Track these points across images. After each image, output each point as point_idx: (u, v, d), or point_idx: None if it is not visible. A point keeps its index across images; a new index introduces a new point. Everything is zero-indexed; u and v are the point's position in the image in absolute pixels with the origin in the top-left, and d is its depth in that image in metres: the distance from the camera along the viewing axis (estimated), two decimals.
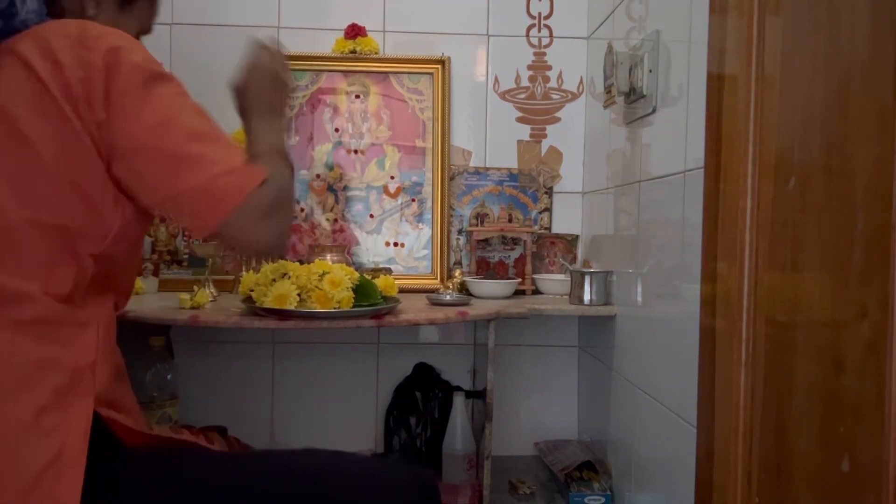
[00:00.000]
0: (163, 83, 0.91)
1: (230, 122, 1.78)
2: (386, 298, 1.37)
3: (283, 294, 1.24)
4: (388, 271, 1.70)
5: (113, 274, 0.96)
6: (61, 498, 0.78)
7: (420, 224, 1.81)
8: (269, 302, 1.25)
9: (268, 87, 1.09)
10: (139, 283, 1.50)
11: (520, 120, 1.86)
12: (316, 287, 1.26)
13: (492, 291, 1.64)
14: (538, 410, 1.86)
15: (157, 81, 0.90)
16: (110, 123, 0.87)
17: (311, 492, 0.91)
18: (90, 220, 0.90)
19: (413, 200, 1.81)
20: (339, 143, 1.80)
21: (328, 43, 1.80)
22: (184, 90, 0.94)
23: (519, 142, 1.86)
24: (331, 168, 1.80)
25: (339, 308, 1.26)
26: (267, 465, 0.94)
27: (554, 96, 1.86)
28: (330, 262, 1.52)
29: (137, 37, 1.08)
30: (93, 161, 0.88)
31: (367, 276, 1.39)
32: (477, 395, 1.64)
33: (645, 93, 1.33)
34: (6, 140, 0.88)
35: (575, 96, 1.86)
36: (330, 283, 1.26)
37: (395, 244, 1.80)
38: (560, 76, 1.86)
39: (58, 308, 0.87)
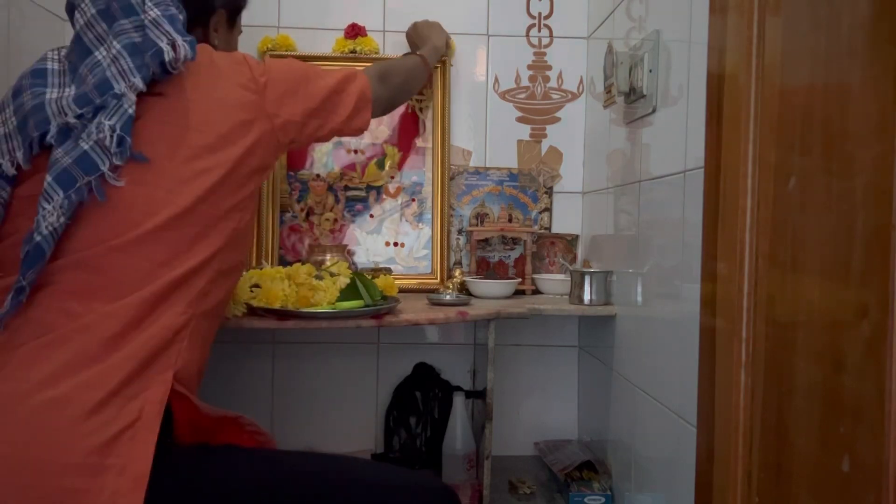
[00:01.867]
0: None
1: None
2: (386, 298, 1.37)
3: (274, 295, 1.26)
4: (388, 271, 1.70)
5: (227, 268, 1.07)
6: (135, 457, 0.86)
7: (420, 224, 1.81)
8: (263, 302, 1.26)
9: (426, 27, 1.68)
10: None
11: (520, 120, 1.86)
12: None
13: (492, 291, 1.64)
14: (538, 410, 1.86)
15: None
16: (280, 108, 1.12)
17: (341, 497, 0.97)
18: (231, 211, 1.04)
19: (413, 200, 1.81)
20: (339, 143, 1.80)
21: (328, 43, 1.80)
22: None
23: (519, 142, 1.86)
24: (331, 168, 1.80)
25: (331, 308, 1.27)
26: (300, 468, 1.01)
27: (554, 96, 1.86)
28: (330, 262, 1.53)
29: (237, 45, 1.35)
30: (273, 146, 1.11)
31: (366, 276, 1.40)
32: (477, 394, 1.64)
33: (645, 93, 1.33)
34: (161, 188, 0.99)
35: (575, 96, 1.86)
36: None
37: (395, 244, 1.80)
38: (560, 76, 1.86)
39: (166, 291, 0.96)
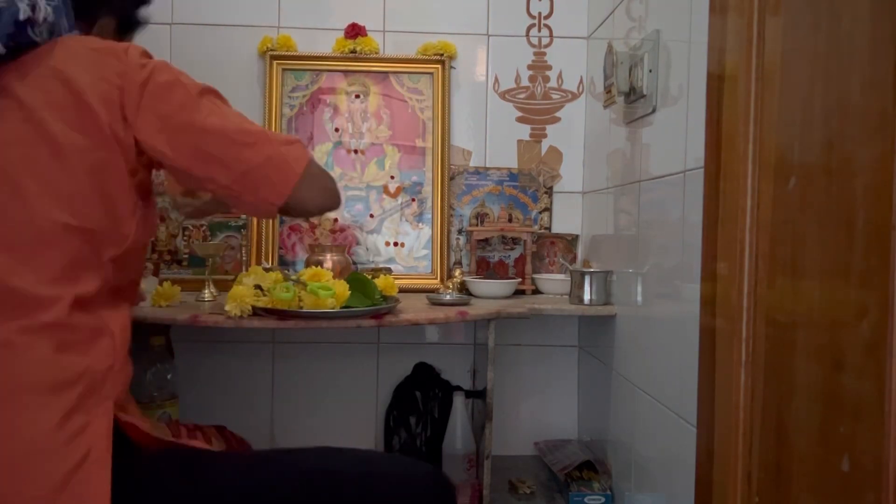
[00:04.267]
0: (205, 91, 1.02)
1: None
2: (385, 298, 1.37)
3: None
4: (388, 271, 1.70)
5: (126, 279, 1.01)
6: (91, 498, 0.81)
7: (420, 224, 1.81)
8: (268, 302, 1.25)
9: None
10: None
11: (520, 120, 1.86)
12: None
13: (492, 291, 1.64)
14: (538, 410, 1.86)
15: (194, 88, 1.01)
16: (160, 123, 0.95)
17: (327, 492, 0.94)
18: (112, 224, 0.94)
19: (413, 200, 1.81)
20: (339, 143, 1.80)
21: (328, 43, 1.80)
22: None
23: (519, 141, 1.86)
24: (331, 168, 1.80)
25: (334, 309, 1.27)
26: (283, 467, 0.96)
27: (554, 96, 1.86)
28: (330, 262, 1.53)
29: None
30: (119, 167, 0.93)
31: (366, 275, 1.39)
32: (477, 394, 1.64)
33: (645, 92, 1.33)
34: (39, 146, 0.90)
35: (575, 96, 1.86)
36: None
37: (395, 244, 1.80)
38: (560, 76, 1.86)
39: (77, 314, 0.89)
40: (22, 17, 0.92)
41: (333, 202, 1.09)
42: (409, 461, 1.05)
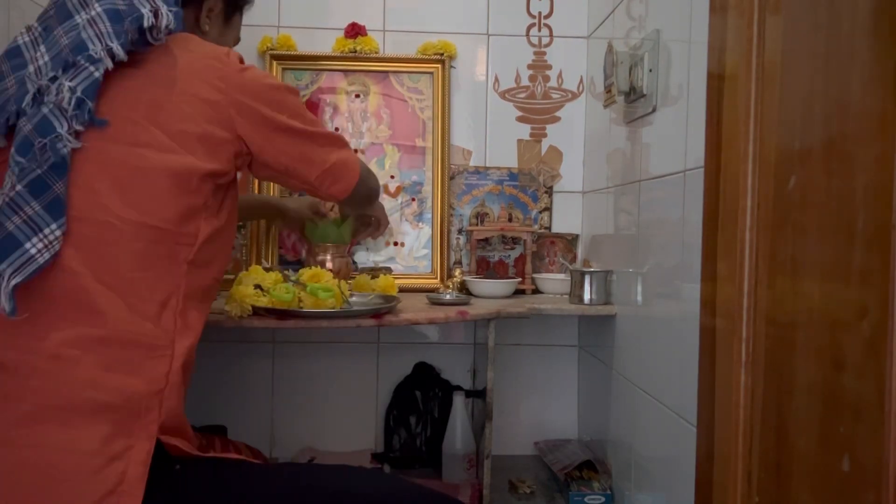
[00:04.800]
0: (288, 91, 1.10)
1: None
2: (385, 297, 1.37)
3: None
4: (388, 270, 1.70)
5: (203, 287, 0.98)
6: None
7: (420, 223, 1.81)
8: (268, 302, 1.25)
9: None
10: None
11: (520, 119, 1.86)
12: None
13: (492, 291, 1.64)
14: (538, 410, 1.86)
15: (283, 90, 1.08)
16: (259, 122, 1.01)
17: None
18: (183, 224, 0.93)
19: (413, 200, 1.81)
20: None
21: (328, 42, 1.80)
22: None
23: (519, 141, 1.86)
24: None
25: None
26: (307, 481, 0.96)
27: (554, 95, 1.86)
28: (330, 262, 1.53)
29: (233, 45, 1.26)
30: (199, 169, 0.94)
31: (366, 276, 1.40)
32: (477, 394, 1.64)
33: (645, 92, 1.32)
34: (120, 144, 0.90)
35: (575, 95, 1.86)
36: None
37: (395, 243, 1.80)
38: (560, 75, 1.86)
39: (138, 328, 0.87)
40: (146, 24, 0.93)
41: (378, 191, 1.38)
42: (437, 494, 1.03)
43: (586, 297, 1.53)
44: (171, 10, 0.97)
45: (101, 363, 0.84)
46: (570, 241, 1.84)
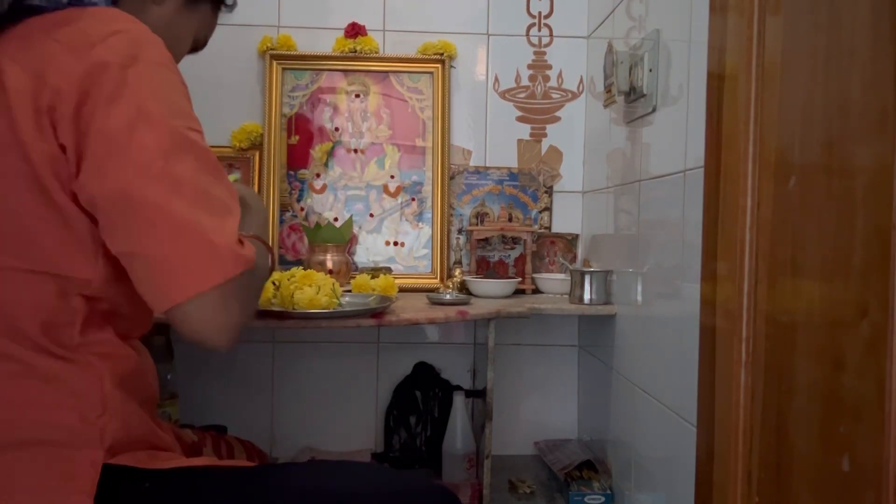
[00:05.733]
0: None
1: (227, 122, 1.78)
2: (381, 297, 1.37)
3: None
4: (388, 270, 1.70)
5: (119, 311, 0.84)
6: None
7: (420, 223, 1.81)
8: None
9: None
10: None
11: (520, 119, 1.86)
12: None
13: (492, 291, 1.64)
14: (538, 410, 1.86)
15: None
16: (84, 151, 0.75)
17: None
18: (65, 261, 0.78)
19: (413, 200, 1.81)
20: (339, 143, 1.80)
21: (328, 42, 1.80)
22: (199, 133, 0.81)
23: (519, 141, 1.86)
24: (330, 167, 1.80)
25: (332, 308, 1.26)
26: (288, 483, 0.88)
27: (554, 95, 1.86)
28: (330, 262, 1.53)
29: (191, 49, 1.03)
30: (56, 197, 0.76)
31: (366, 275, 1.39)
32: (477, 394, 1.64)
33: (645, 92, 1.33)
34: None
35: (575, 95, 1.86)
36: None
37: (395, 243, 1.80)
38: (560, 75, 1.86)
39: (49, 365, 0.78)
40: None
41: (231, 340, 0.80)
42: (414, 476, 0.98)
43: (586, 296, 1.54)
44: None
45: (23, 402, 0.77)
46: (570, 240, 1.84)
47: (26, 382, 0.77)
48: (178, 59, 0.96)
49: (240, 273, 0.76)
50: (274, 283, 1.29)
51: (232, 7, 1.07)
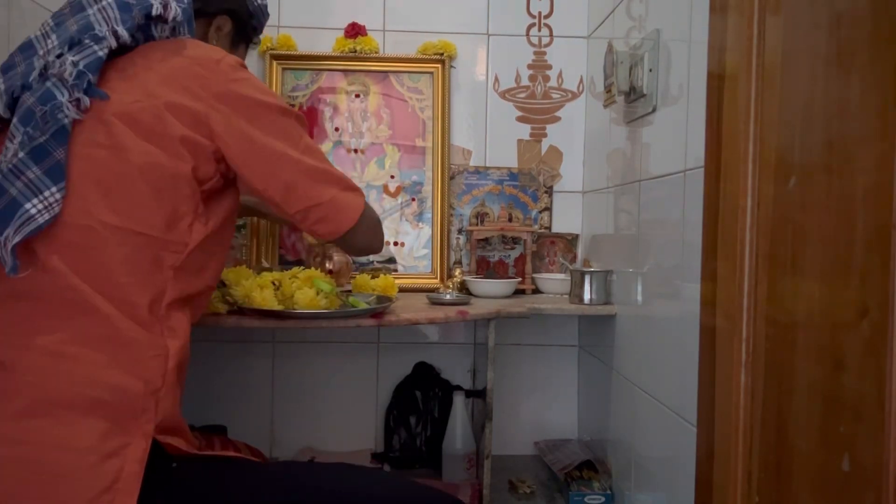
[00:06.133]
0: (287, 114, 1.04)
1: None
2: (381, 298, 1.37)
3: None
4: (388, 271, 1.70)
5: (192, 290, 0.96)
6: None
7: (420, 223, 1.81)
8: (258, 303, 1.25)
9: None
10: None
11: (520, 119, 1.86)
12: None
13: (492, 291, 1.64)
14: (538, 410, 1.86)
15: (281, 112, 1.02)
16: (239, 138, 0.96)
17: None
18: (170, 230, 0.92)
19: (413, 200, 1.81)
20: (339, 143, 1.80)
21: (328, 42, 1.80)
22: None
23: (519, 141, 1.86)
24: None
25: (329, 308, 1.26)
26: (306, 480, 0.95)
27: (554, 95, 1.86)
28: (330, 262, 1.53)
29: None
30: (185, 175, 0.93)
31: (366, 275, 1.39)
32: (477, 394, 1.64)
33: (645, 92, 1.32)
34: (106, 148, 0.90)
35: (575, 95, 1.86)
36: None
37: (396, 243, 1.80)
38: (560, 75, 1.86)
39: (133, 327, 0.87)
40: (154, 12, 0.95)
41: (375, 249, 1.20)
42: (435, 493, 1.03)
43: (586, 296, 1.53)
44: (180, 5, 0.98)
45: (98, 361, 0.85)
46: (570, 240, 1.84)
47: (108, 345, 0.86)
48: None
49: (362, 208, 1.07)
50: (274, 283, 1.29)
51: (257, 45, 1.30)
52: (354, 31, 1.79)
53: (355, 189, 1.09)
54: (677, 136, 1.19)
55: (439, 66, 1.80)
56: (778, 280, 0.86)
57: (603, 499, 1.50)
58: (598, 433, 1.66)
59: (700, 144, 1.07)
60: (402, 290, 1.60)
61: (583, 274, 1.54)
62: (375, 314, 1.31)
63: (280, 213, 1.05)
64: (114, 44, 0.92)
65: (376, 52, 1.79)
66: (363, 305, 1.31)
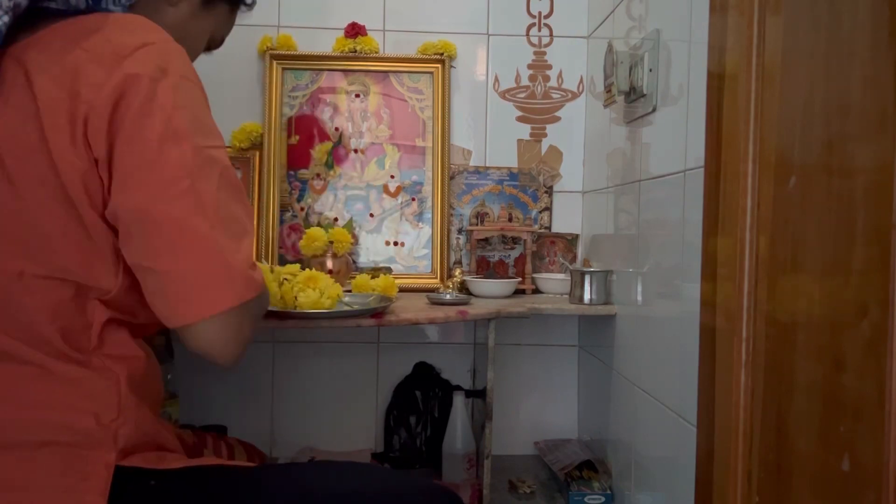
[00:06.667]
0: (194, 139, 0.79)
1: (227, 122, 1.78)
2: (381, 297, 1.37)
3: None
4: (388, 270, 1.70)
5: (136, 317, 0.85)
6: None
7: (420, 223, 1.81)
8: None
9: None
10: None
11: (520, 119, 1.86)
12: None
13: (492, 291, 1.64)
14: (538, 410, 1.86)
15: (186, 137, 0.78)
16: (112, 164, 0.76)
17: None
18: (86, 271, 0.78)
19: (413, 199, 1.81)
20: (339, 143, 1.80)
21: (328, 42, 1.80)
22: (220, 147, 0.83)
23: (519, 141, 1.86)
24: (331, 167, 1.80)
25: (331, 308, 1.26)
26: (291, 483, 0.87)
27: (554, 95, 1.86)
28: (330, 262, 1.53)
29: (206, 48, 1.04)
30: (82, 209, 0.77)
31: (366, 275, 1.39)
32: (477, 394, 1.64)
33: (645, 92, 1.32)
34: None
35: (575, 95, 1.86)
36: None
37: (395, 243, 1.80)
38: (560, 75, 1.86)
39: (66, 369, 0.78)
40: None
41: (236, 360, 0.85)
42: (425, 482, 0.97)
43: (586, 296, 1.53)
44: None
45: (39, 403, 0.77)
46: (570, 240, 1.84)
47: (45, 385, 0.77)
48: (192, 59, 0.95)
49: (252, 297, 0.79)
50: (286, 279, 1.30)
51: (251, 6, 1.07)
52: (354, 31, 1.79)
53: (240, 269, 0.81)
54: (677, 136, 1.19)
55: (439, 66, 1.80)
56: (778, 280, 0.86)
57: (603, 499, 1.50)
58: (598, 433, 1.66)
59: (700, 144, 1.07)
60: (402, 290, 1.60)
61: (583, 274, 1.54)
62: (375, 314, 1.31)
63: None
64: (11, 5, 0.75)
65: (376, 52, 1.79)
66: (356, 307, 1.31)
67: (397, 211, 1.81)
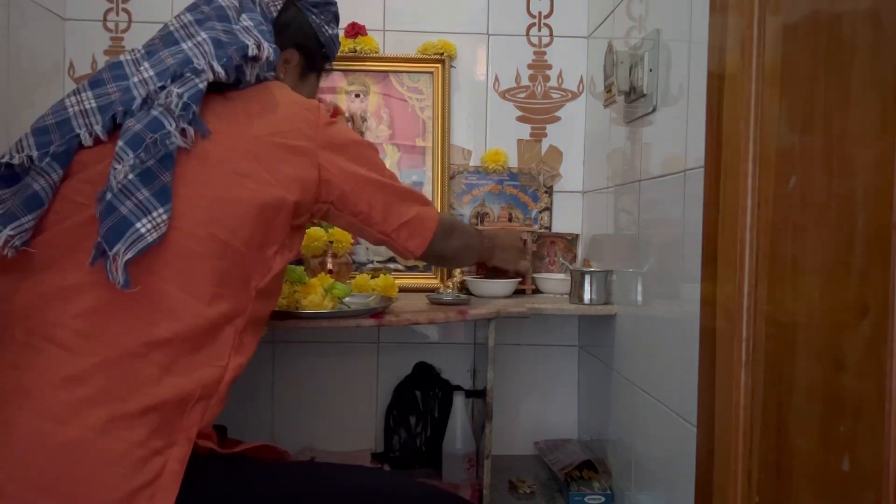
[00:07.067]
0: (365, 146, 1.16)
1: None
2: (381, 297, 1.37)
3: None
4: (389, 270, 1.70)
5: (262, 314, 1.03)
6: None
7: None
8: None
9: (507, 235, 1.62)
10: None
11: (520, 119, 1.86)
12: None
13: (492, 291, 1.63)
14: (538, 410, 1.86)
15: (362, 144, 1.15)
16: (346, 174, 1.08)
17: None
18: (261, 253, 0.99)
19: None
20: None
21: None
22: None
23: (519, 141, 1.86)
24: None
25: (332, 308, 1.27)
26: (322, 478, 1.00)
27: (554, 95, 1.86)
28: (330, 262, 1.53)
29: None
30: (288, 207, 1.00)
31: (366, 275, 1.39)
32: (477, 394, 1.64)
33: (645, 92, 1.32)
34: (225, 171, 0.97)
35: (575, 95, 1.86)
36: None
37: None
38: (560, 75, 1.86)
39: (209, 335, 0.92)
40: (250, 53, 1.02)
41: (463, 256, 1.39)
42: (437, 489, 1.06)
43: (586, 296, 1.53)
44: (271, 45, 1.05)
45: (164, 363, 0.88)
46: (570, 240, 1.84)
47: (181, 346, 0.90)
48: None
49: (437, 217, 1.21)
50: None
51: (331, 71, 1.37)
52: (354, 30, 1.79)
53: (429, 202, 1.22)
54: (677, 136, 1.19)
55: (439, 65, 1.80)
56: (778, 280, 0.86)
57: (603, 499, 1.50)
58: (598, 433, 1.66)
59: (700, 144, 1.07)
60: (402, 290, 1.60)
61: (583, 274, 1.54)
62: (375, 314, 1.31)
63: (378, 233, 1.16)
64: (211, 77, 0.98)
65: (376, 52, 1.79)
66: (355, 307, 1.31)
67: None
